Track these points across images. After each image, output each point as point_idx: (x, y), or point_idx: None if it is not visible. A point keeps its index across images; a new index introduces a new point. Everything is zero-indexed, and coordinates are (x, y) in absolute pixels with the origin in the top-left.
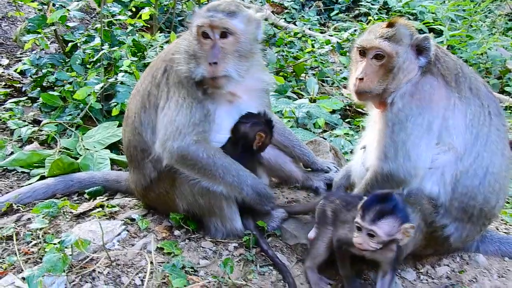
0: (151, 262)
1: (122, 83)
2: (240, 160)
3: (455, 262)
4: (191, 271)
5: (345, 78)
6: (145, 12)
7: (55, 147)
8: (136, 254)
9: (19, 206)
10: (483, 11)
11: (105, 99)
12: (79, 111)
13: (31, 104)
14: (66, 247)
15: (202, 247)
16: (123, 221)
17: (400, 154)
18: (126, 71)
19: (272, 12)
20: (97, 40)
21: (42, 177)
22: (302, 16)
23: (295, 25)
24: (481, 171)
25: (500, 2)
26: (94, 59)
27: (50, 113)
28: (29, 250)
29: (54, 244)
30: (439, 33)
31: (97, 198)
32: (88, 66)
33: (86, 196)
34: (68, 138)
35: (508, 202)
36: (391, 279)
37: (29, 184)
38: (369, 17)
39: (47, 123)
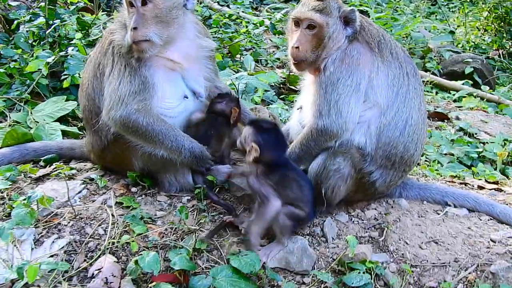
0: (112, 215)
1: (71, 56)
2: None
3: (381, 206)
4: (149, 221)
5: (278, 59)
6: None
7: (3, 121)
8: (97, 209)
9: None
10: None
11: (51, 75)
12: (25, 87)
13: None
14: (32, 203)
15: (158, 201)
16: (83, 181)
17: (332, 111)
18: (76, 45)
19: None
20: (41, 19)
21: None
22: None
23: (229, 7)
24: (401, 124)
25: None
26: (40, 36)
27: None
28: None
29: (21, 200)
30: (365, 15)
31: (53, 164)
32: (34, 43)
33: (41, 163)
34: (18, 112)
35: (427, 160)
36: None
37: None
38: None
39: None
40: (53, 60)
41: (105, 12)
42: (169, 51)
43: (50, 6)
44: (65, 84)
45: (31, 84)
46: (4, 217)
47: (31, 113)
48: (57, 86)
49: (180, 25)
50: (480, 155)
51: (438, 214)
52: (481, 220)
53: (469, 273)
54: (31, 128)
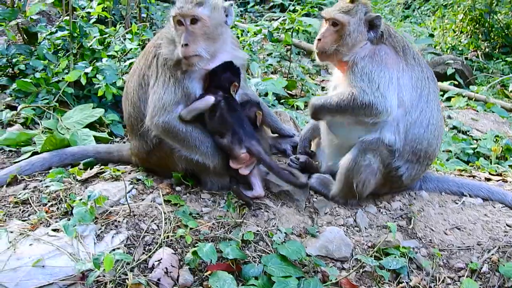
0: (164, 212)
1: (107, 66)
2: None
3: (405, 198)
4: (197, 216)
5: (271, 65)
6: (99, 6)
7: (34, 128)
8: (147, 206)
9: (23, 176)
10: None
11: (74, 84)
12: (52, 96)
13: (0, 92)
14: (89, 202)
15: (202, 198)
16: (130, 181)
17: (377, 93)
18: (101, 56)
19: None
20: (64, 31)
21: (33, 154)
22: None
23: None
24: (425, 122)
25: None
26: (63, 48)
27: (23, 98)
28: (49, 209)
29: (80, 199)
30: None
31: (94, 167)
32: (60, 55)
33: (80, 167)
34: (47, 120)
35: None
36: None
37: (23, 159)
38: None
39: (25, 107)
40: (92, 70)
41: (122, 25)
42: (211, 63)
43: (74, 20)
44: (100, 92)
45: (57, 93)
46: (60, 216)
47: (61, 120)
48: (80, 95)
49: (222, 40)
50: (475, 151)
51: (457, 203)
52: (495, 208)
53: (492, 255)
54: (62, 134)
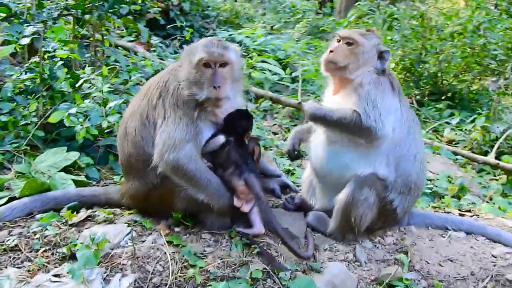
0: (168, 253)
1: (90, 108)
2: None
3: (396, 233)
4: (202, 256)
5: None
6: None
7: (3, 173)
8: (149, 248)
9: (5, 223)
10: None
11: (43, 127)
12: (21, 139)
13: None
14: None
15: (203, 238)
16: (127, 223)
17: (379, 120)
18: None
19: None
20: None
21: (9, 199)
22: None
23: (162, 59)
24: (412, 157)
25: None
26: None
27: None
28: (43, 255)
29: (82, 243)
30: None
31: (80, 211)
32: (29, 97)
33: (64, 211)
34: (19, 164)
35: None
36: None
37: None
38: None
39: None
40: (76, 112)
41: (91, 68)
42: (228, 105)
43: (44, 62)
44: (81, 134)
45: (27, 136)
46: (59, 261)
47: (33, 164)
48: (47, 138)
49: (240, 83)
50: (432, 190)
51: (444, 237)
52: (478, 240)
53: (487, 283)
54: (35, 178)
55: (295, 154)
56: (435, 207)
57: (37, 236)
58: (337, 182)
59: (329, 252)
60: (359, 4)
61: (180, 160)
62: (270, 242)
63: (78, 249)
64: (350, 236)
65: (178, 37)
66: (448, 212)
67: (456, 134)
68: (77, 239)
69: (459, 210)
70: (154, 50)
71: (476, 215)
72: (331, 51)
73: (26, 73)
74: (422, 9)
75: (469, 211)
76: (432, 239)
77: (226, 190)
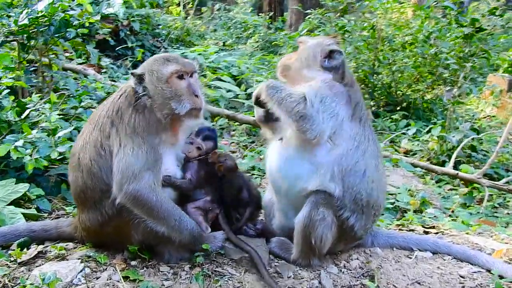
0: None
1: (38, 139)
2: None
3: (361, 256)
4: None
5: None
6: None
7: None
8: (104, 285)
9: None
10: None
11: None
12: None
13: None
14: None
15: (161, 271)
16: (80, 259)
17: (321, 116)
18: (22, 127)
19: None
20: None
21: None
22: (117, 76)
23: (114, 81)
24: (360, 173)
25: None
26: None
27: None
28: None
29: (31, 284)
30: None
31: (30, 247)
32: None
33: (13, 248)
34: None
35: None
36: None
37: None
38: None
39: None
40: (23, 144)
41: (38, 95)
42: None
43: None
44: (30, 166)
45: None
46: None
47: None
48: None
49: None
50: (394, 205)
51: (410, 258)
52: (445, 260)
53: None
54: None
55: (259, 102)
56: (399, 225)
57: None
58: (291, 196)
59: (293, 280)
60: (309, 18)
61: (140, 190)
62: (232, 272)
63: None
64: (314, 261)
65: (129, 58)
66: (412, 230)
67: (413, 144)
68: (26, 279)
69: (423, 226)
70: (105, 72)
71: (440, 232)
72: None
73: None
74: (372, 21)
75: (433, 227)
76: (398, 261)
77: (188, 222)
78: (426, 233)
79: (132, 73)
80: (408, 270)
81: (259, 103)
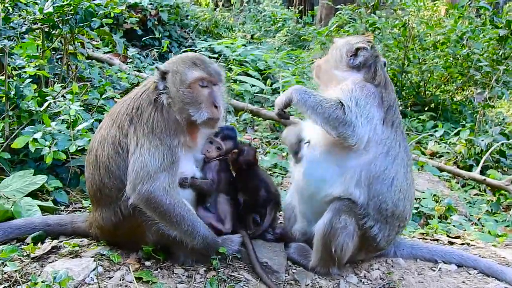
0: None
1: (59, 131)
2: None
3: (383, 266)
4: None
5: None
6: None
7: None
8: (117, 285)
9: None
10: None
11: (10, 149)
12: None
13: None
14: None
15: (175, 273)
16: (93, 257)
17: (360, 119)
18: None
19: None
20: None
21: None
22: (143, 66)
23: (140, 71)
24: (388, 181)
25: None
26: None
27: None
28: None
29: (43, 281)
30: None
31: (45, 241)
32: None
33: (28, 241)
34: None
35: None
36: None
37: None
38: None
39: None
40: (42, 135)
41: (60, 85)
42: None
43: (10, 80)
44: (49, 159)
45: None
46: None
47: None
48: (14, 159)
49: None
50: (418, 210)
51: (434, 270)
52: (470, 274)
53: None
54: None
55: (284, 114)
56: (423, 233)
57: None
58: (315, 201)
59: None
60: (340, 13)
61: (153, 192)
62: (248, 278)
63: None
64: (334, 270)
65: (156, 48)
66: (436, 240)
67: (440, 146)
68: (38, 276)
69: (448, 236)
70: (131, 62)
71: (466, 243)
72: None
73: None
74: (404, 18)
75: (458, 237)
76: (421, 273)
77: (202, 228)
78: (451, 243)
79: (156, 67)
80: (431, 284)
81: (282, 113)
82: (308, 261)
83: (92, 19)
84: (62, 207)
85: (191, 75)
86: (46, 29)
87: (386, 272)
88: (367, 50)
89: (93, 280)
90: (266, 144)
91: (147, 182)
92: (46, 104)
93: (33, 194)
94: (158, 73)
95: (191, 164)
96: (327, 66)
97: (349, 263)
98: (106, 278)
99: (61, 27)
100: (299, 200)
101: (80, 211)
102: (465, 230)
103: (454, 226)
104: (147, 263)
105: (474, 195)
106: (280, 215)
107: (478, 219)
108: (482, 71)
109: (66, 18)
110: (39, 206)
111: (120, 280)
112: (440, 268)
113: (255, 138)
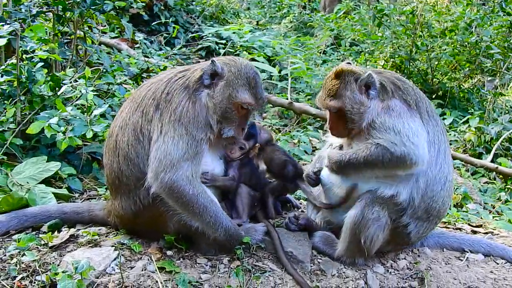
0: (161, 282)
1: (74, 117)
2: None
3: (409, 256)
4: (197, 285)
5: None
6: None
7: None
8: (139, 276)
9: None
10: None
11: (22, 134)
12: None
13: None
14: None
15: (198, 263)
16: (113, 247)
17: (408, 143)
18: (55, 102)
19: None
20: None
21: None
22: (149, 51)
23: (147, 57)
24: (443, 179)
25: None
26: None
27: None
28: (21, 283)
29: (64, 271)
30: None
31: (62, 230)
32: (6, 101)
33: (44, 229)
34: None
35: None
36: None
37: None
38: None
39: None
40: (57, 121)
41: (73, 69)
42: None
43: (21, 64)
44: (64, 145)
45: (4, 145)
46: None
47: (11, 175)
48: (26, 145)
49: None
50: None
51: (461, 260)
52: (498, 264)
53: None
54: (11, 190)
55: (314, 180)
56: (445, 222)
57: (14, 260)
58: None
59: (337, 279)
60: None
61: (177, 181)
62: (273, 268)
63: (59, 279)
64: (360, 260)
65: (162, 34)
66: (459, 229)
67: (449, 134)
68: (58, 265)
69: (469, 225)
70: (138, 47)
71: (490, 232)
72: (331, 128)
73: (2, 76)
74: (412, 5)
75: (480, 225)
76: (449, 263)
77: (224, 219)
78: (474, 232)
79: (212, 61)
80: (459, 274)
81: (315, 179)
82: (334, 250)
83: (105, 1)
84: (77, 195)
85: (242, 97)
86: (57, 13)
87: (413, 262)
88: (371, 76)
89: (114, 270)
90: (275, 131)
91: (170, 170)
92: (63, 89)
93: (46, 181)
94: (211, 68)
95: (211, 161)
96: (348, 127)
97: (375, 253)
98: (128, 268)
99: (72, 10)
100: (331, 197)
101: (96, 198)
102: (482, 218)
103: (471, 214)
104: (169, 253)
105: (484, 183)
106: (302, 203)
107: (494, 207)
108: (493, 58)
109: (77, 0)
110: (53, 193)
111: (142, 270)
112: (467, 257)
113: (264, 125)
